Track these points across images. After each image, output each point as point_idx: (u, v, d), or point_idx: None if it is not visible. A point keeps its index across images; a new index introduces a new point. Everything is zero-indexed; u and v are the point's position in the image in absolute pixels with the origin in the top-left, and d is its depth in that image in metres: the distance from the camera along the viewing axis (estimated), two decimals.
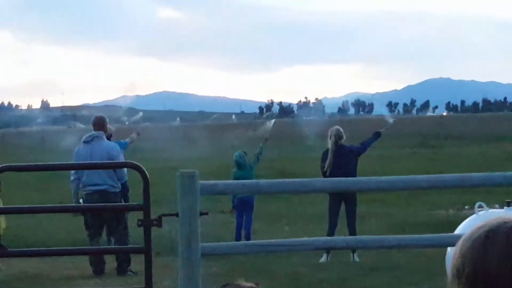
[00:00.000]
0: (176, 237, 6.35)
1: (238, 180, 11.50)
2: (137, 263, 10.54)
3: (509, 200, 8.62)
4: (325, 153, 12.46)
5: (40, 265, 11.65)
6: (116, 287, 10.14)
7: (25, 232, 14.20)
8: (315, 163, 13.90)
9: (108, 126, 11.94)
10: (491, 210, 8.48)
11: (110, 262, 11.35)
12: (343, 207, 12.42)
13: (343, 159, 12.21)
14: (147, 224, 6.69)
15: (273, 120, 17.31)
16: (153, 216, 6.68)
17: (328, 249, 11.27)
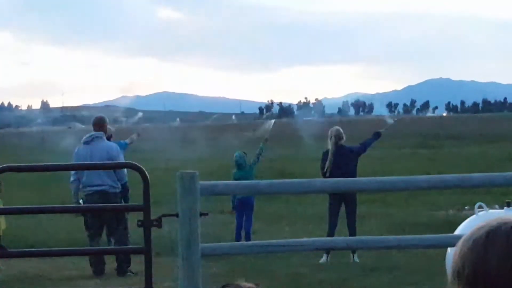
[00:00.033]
0: (176, 238, 6.35)
1: (238, 181, 11.51)
2: (137, 263, 10.54)
3: (509, 201, 8.63)
4: (325, 154, 12.46)
5: (40, 265, 11.64)
6: None
7: (25, 233, 14.20)
8: (315, 164, 13.91)
9: (108, 126, 11.94)
10: (491, 211, 8.48)
11: (110, 263, 11.34)
12: (343, 207, 12.42)
13: (343, 160, 12.21)
14: (147, 224, 6.69)
15: (273, 121, 17.31)
16: (153, 216, 6.69)
17: (328, 250, 11.27)
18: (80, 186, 11.34)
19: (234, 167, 14.01)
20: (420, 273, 10.38)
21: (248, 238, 13.40)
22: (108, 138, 11.77)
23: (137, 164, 7.02)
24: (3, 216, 12.23)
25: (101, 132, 11.52)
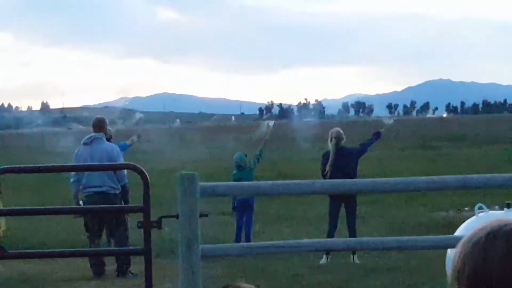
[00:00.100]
0: (176, 239, 6.35)
1: (238, 182, 11.50)
2: (137, 264, 10.53)
3: (509, 202, 8.62)
4: (326, 155, 12.45)
5: (40, 266, 11.64)
6: None
7: (25, 234, 14.19)
8: (315, 165, 13.90)
9: (108, 127, 11.93)
10: (491, 212, 8.47)
11: (110, 264, 11.33)
12: (343, 208, 12.41)
13: (344, 161, 12.20)
14: (147, 225, 6.69)
15: (272, 122, 17.27)
16: (153, 217, 6.69)
17: (328, 251, 11.26)
18: (80, 187, 11.33)
19: (234, 168, 14.01)
20: (420, 274, 10.37)
21: (248, 239, 13.40)
22: (108, 139, 11.76)
23: (137, 165, 7.02)
24: (3, 217, 12.22)
25: (101, 133, 11.51)
